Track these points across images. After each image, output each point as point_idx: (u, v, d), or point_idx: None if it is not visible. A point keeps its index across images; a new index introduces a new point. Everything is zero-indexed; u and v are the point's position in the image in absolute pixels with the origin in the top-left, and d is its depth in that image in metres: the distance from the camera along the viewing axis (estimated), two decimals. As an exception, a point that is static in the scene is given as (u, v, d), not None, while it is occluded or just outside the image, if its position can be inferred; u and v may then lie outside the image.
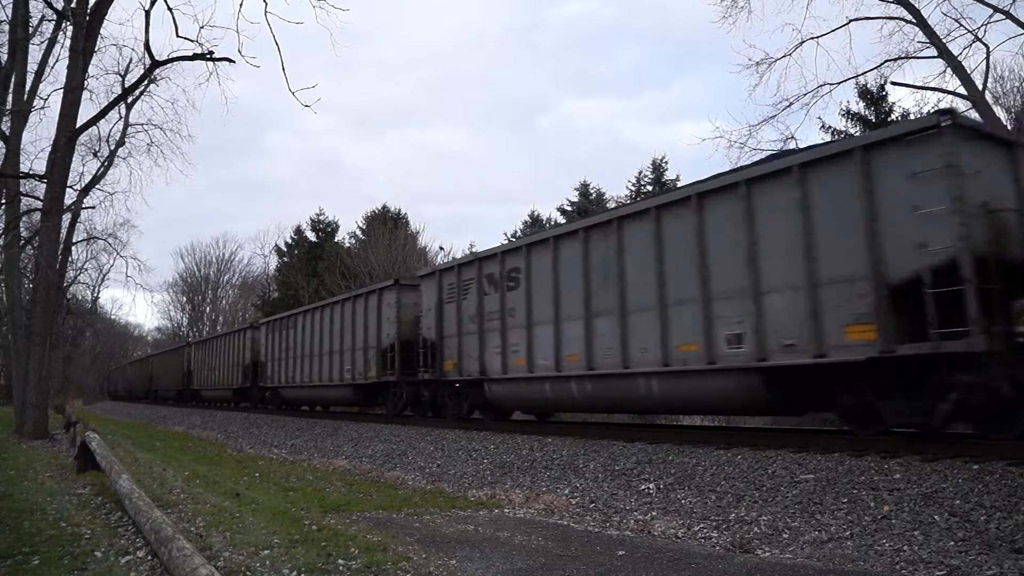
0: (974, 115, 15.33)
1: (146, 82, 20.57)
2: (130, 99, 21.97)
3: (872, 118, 22.00)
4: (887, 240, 7.06)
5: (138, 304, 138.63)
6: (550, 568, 4.57)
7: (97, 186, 24.75)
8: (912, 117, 19.27)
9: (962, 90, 16.62)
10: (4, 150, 18.13)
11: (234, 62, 22.65)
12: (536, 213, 37.52)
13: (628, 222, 10.16)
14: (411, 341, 15.47)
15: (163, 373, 41.01)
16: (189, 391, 35.18)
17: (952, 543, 4.92)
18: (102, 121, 19.14)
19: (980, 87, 16.44)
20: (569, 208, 34.89)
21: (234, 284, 65.37)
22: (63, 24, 18.06)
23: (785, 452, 7.80)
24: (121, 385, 57.33)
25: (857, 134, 20.62)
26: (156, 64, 16.89)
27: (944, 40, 16.90)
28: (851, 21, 18.20)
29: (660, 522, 6.27)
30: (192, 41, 17.76)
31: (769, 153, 17.61)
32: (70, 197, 20.39)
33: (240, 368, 27.21)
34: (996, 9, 16.38)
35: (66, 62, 16.43)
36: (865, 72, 19.39)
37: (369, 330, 17.30)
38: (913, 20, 17.14)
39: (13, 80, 17.76)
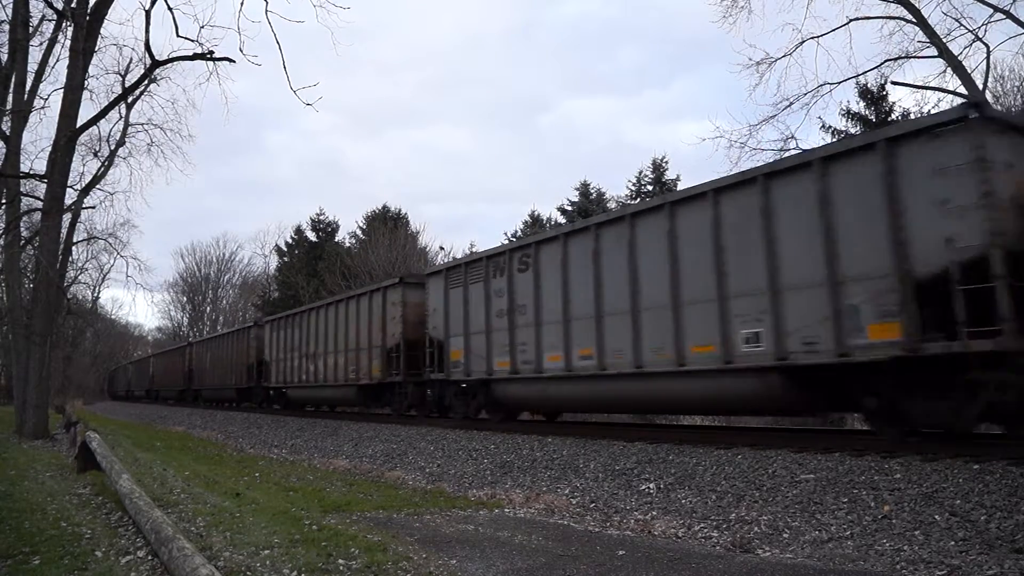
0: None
1: (146, 82, 20.58)
2: (130, 99, 21.98)
3: (872, 118, 22.00)
4: None
5: (138, 304, 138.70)
6: (550, 568, 4.56)
7: (97, 186, 24.79)
8: (915, 117, 19.26)
9: (962, 90, 16.64)
10: (4, 150, 18.15)
11: (234, 62, 22.69)
12: (536, 213, 37.55)
13: None
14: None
15: (211, 368, 31.47)
16: (260, 390, 25.73)
17: (952, 543, 4.91)
18: (102, 121, 19.13)
19: (980, 87, 16.46)
20: (569, 208, 34.88)
21: (234, 284, 65.57)
22: (63, 24, 18.06)
23: (785, 452, 7.81)
24: (136, 384, 50.21)
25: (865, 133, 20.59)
26: (156, 64, 16.88)
27: (944, 40, 16.94)
28: (851, 21, 18.25)
29: (660, 522, 6.27)
30: (192, 41, 17.76)
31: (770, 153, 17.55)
32: (70, 197, 20.43)
33: (378, 354, 16.70)
34: (996, 9, 16.40)
35: (66, 62, 16.43)
36: (865, 72, 19.47)
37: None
38: (913, 20, 17.17)
39: (13, 80, 17.77)
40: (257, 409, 25.82)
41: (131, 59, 26.09)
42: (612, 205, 32.42)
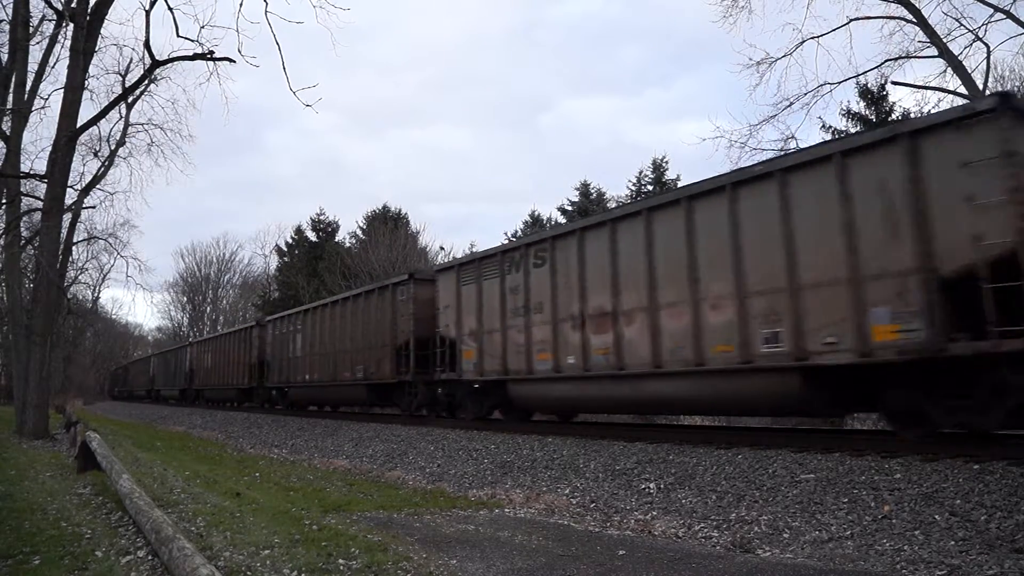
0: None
1: (146, 82, 20.60)
2: (130, 99, 21.97)
3: (873, 118, 22.00)
4: None
5: (138, 304, 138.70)
6: (551, 568, 4.57)
7: (97, 186, 24.78)
8: (913, 116, 19.24)
9: (963, 90, 16.66)
10: (4, 150, 18.15)
11: (234, 62, 22.69)
12: (537, 213, 37.58)
13: None
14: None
15: (308, 356, 20.99)
16: (423, 389, 15.51)
17: (953, 543, 4.91)
18: (102, 121, 19.13)
19: (981, 87, 16.47)
20: (570, 208, 34.90)
21: (235, 284, 65.53)
22: (63, 24, 18.06)
23: (785, 452, 7.81)
24: (164, 383, 40.19)
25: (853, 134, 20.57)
26: (156, 64, 16.89)
27: (944, 40, 16.97)
28: (852, 21, 18.29)
29: (661, 522, 6.27)
30: (192, 41, 17.86)
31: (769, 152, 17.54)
32: (70, 197, 20.40)
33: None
34: (996, 9, 16.43)
35: (66, 62, 16.43)
36: (866, 72, 19.52)
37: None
38: (914, 20, 17.19)
39: (13, 80, 17.77)
40: (431, 420, 15.22)
41: (131, 59, 26.15)
42: (612, 205, 32.36)
